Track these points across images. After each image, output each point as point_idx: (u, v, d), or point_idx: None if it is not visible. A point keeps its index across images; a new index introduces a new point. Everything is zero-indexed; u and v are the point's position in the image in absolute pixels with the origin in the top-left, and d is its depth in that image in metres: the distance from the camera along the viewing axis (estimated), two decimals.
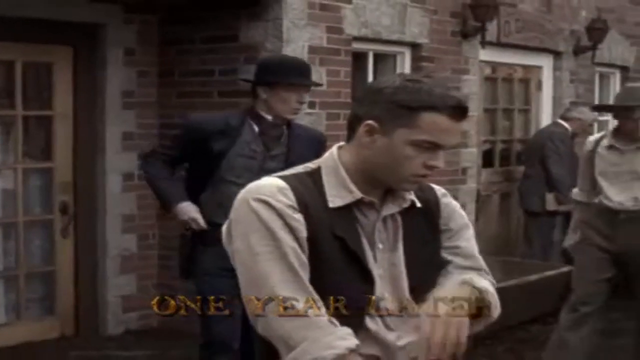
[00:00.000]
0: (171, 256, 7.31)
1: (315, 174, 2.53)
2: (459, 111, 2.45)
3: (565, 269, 8.75)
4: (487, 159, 9.46)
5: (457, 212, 2.72)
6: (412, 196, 2.59)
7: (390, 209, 2.56)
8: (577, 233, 6.45)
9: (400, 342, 2.51)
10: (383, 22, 7.60)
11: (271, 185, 2.45)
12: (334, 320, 2.38)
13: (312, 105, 6.92)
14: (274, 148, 5.00)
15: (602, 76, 11.16)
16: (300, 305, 2.35)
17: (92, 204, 7.32)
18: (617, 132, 6.13)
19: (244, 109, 5.13)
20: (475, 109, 8.65)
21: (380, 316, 2.50)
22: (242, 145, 4.92)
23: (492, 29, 8.64)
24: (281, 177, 2.49)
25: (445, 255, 2.65)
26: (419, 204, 2.60)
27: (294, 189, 2.45)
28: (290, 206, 2.41)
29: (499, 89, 9.57)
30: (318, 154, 4.20)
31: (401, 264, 2.55)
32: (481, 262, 2.72)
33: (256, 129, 4.97)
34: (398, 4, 7.74)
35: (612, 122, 11.20)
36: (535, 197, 9.15)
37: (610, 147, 6.10)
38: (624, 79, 11.35)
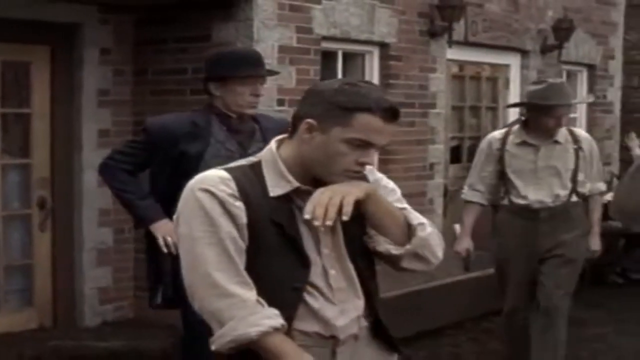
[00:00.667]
0: None
1: (257, 167, 2.76)
2: (390, 113, 2.68)
3: None
4: (455, 155, 9.71)
5: (382, 184, 2.93)
6: None
7: None
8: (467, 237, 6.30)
9: (341, 321, 2.74)
10: (352, 22, 7.84)
11: (215, 176, 2.70)
12: (262, 300, 2.61)
13: (281, 102, 7.15)
14: (250, 145, 4.70)
15: (570, 74, 11.42)
16: (231, 287, 2.59)
17: (69, 198, 7.50)
18: (528, 129, 6.03)
19: (204, 108, 4.88)
20: (442, 107, 8.91)
21: (322, 294, 2.73)
22: (216, 146, 4.68)
23: (459, 28, 8.88)
24: (225, 169, 2.73)
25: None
26: None
27: (236, 179, 2.68)
28: (232, 195, 2.65)
29: (467, 86, 9.82)
30: None
31: (342, 243, 2.78)
32: (415, 214, 2.90)
33: (224, 127, 4.75)
34: (367, 5, 7.98)
35: (581, 118, 11.55)
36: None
37: (523, 144, 6.02)
38: (591, 77, 11.65)
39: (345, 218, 2.62)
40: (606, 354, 7.51)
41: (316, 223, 2.61)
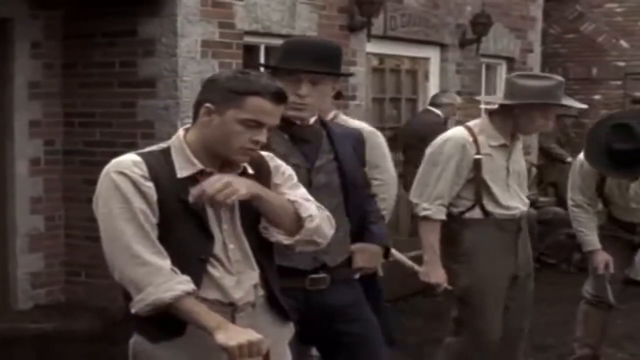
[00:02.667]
0: (77, 236, 7.88)
1: (166, 152, 3.11)
2: (277, 96, 3.05)
3: None
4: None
5: (280, 169, 3.28)
6: (245, 164, 3.14)
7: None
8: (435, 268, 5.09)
9: (237, 289, 3.11)
10: (273, 17, 8.22)
11: (127, 159, 3.05)
12: (176, 269, 2.97)
13: None
14: (317, 158, 3.95)
15: (489, 67, 11.92)
16: (148, 257, 2.95)
17: (1, 187, 7.79)
18: (496, 127, 5.08)
19: None
20: (362, 98, 9.32)
21: (222, 265, 3.09)
22: None
23: (378, 23, 9.30)
24: (137, 153, 3.08)
25: None
26: (251, 171, 3.15)
27: (147, 162, 3.04)
28: (143, 176, 3.01)
29: (387, 79, 10.24)
30: (361, 156, 4.22)
31: (238, 222, 3.15)
32: (306, 204, 3.21)
33: (286, 136, 3.91)
34: (288, 1, 8.36)
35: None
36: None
37: (501, 145, 5.09)
38: (510, 70, 12.12)
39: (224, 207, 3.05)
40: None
41: (191, 200, 3.00)
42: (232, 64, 7.78)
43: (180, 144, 3.11)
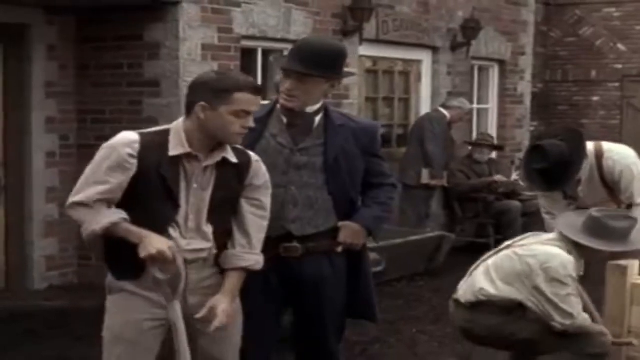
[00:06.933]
0: None
1: (167, 132, 3.82)
2: (255, 89, 3.81)
3: (432, 235, 10.06)
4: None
5: (262, 174, 3.99)
6: (228, 155, 3.84)
7: (209, 162, 3.81)
8: None
9: (188, 247, 3.83)
10: (269, 23, 8.89)
11: (125, 138, 3.80)
12: (115, 209, 3.73)
13: None
14: (302, 140, 4.47)
15: (482, 68, 12.55)
16: (92, 203, 3.71)
17: (20, 178, 8.47)
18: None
19: (276, 100, 4.59)
20: (355, 97, 9.97)
21: (179, 230, 3.82)
22: (268, 139, 4.44)
23: (370, 28, 9.97)
24: (139, 133, 3.82)
25: (243, 202, 3.94)
26: (234, 160, 3.86)
27: (142, 141, 3.76)
28: (130, 154, 3.73)
29: (380, 80, 10.87)
30: (367, 147, 4.67)
31: (206, 199, 3.86)
32: (269, 210, 4.03)
33: (284, 119, 4.47)
34: (283, 7, 9.03)
35: (493, 108, 12.66)
36: (412, 172, 10.35)
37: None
38: (502, 72, 12.77)
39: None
40: (427, 314, 8.12)
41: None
42: (231, 66, 8.45)
43: (179, 130, 3.82)
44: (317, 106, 4.49)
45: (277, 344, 4.66)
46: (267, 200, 4.02)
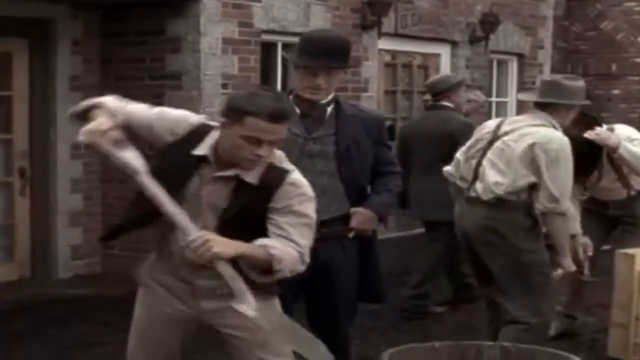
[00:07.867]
0: (112, 213, 8.71)
1: (208, 130, 3.68)
2: (274, 116, 3.47)
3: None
4: (389, 134, 10.86)
5: (288, 197, 3.61)
6: (247, 176, 3.58)
7: (219, 174, 3.62)
8: None
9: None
10: (289, 17, 9.04)
11: (199, 117, 3.80)
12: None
13: (225, 86, 8.36)
14: (316, 130, 4.69)
15: (500, 62, 12.65)
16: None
17: (45, 168, 8.65)
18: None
19: (290, 91, 4.92)
20: (374, 91, 10.12)
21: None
22: None
23: (390, 22, 10.11)
24: (202, 120, 3.77)
25: (268, 224, 3.60)
26: (252, 181, 3.58)
27: (195, 129, 3.68)
28: (182, 129, 3.69)
29: (399, 73, 10.99)
30: (376, 137, 4.87)
31: (215, 212, 3.63)
32: (294, 236, 3.59)
33: (298, 110, 4.64)
34: (303, 2, 9.18)
35: (512, 102, 12.77)
36: None
37: None
38: (521, 65, 12.85)
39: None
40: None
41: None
42: (250, 60, 8.62)
43: (214, 134, 3.65)
44: (330, 97, 4.72)
45: None
46: (282, 220, 3.62)
